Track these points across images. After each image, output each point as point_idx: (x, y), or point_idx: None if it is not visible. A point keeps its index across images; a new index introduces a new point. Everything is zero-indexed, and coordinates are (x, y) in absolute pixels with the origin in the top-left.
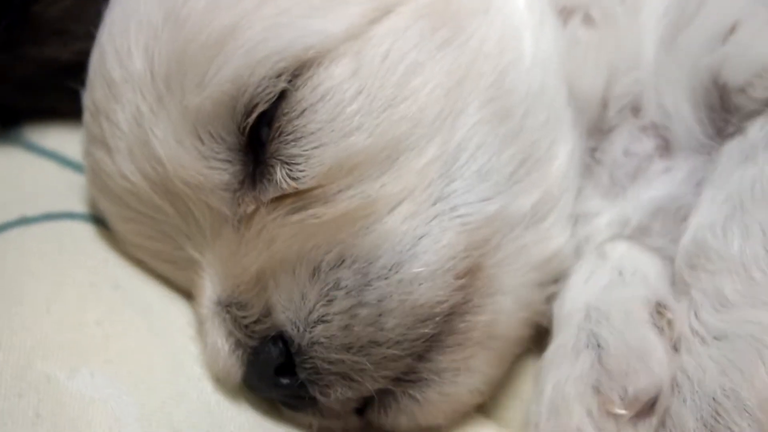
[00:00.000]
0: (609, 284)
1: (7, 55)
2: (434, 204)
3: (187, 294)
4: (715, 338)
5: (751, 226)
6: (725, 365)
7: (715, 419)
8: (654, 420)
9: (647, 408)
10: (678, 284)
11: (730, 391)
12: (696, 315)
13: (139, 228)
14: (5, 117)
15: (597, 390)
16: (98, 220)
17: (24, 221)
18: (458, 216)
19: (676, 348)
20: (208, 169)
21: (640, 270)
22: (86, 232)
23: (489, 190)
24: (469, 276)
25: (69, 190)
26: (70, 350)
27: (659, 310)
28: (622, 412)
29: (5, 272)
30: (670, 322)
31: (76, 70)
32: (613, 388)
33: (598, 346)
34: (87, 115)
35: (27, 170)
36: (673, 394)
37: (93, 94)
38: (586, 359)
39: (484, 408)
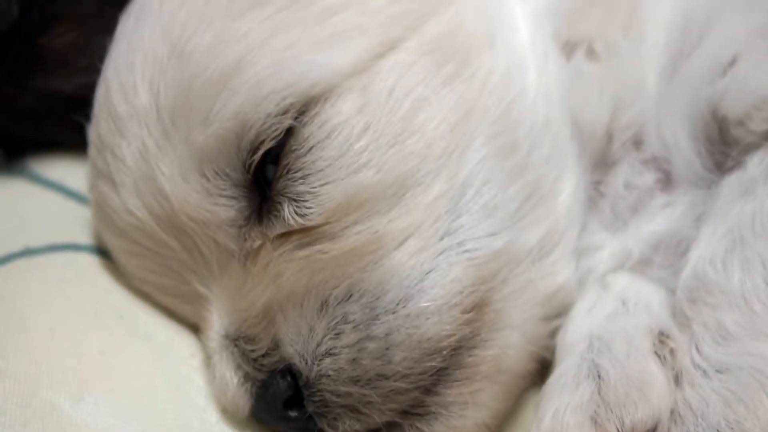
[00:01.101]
0: (612, 313)
1: (11, 86)
2: (441, 239)
3: (192, 326)
4: (718, 371)
5: (751, 259)
6: (728, 397)
7: None
8: None
9: None
10: (679, 317)
11: (734, 423)
12: (697, 348)
13: (145, 262)
14: (9, 147)
15: (594, 420)
16: (102, 252)
17: (28, 252)
18: (465, 251)
19: (678, 379)
20: (213, 205)
21: (644, 299)
22: (90, 263)
23: (495, 225)
24: (476, 310)
25: (73, 222)
26: (75, 378)
27: (662, 339)
28: None
29: (10, 302)
30: (672, 351)
31: (81, 102)
32: (610, 419)
33: (599, 376)
34: (92, 150)
35: (31, 201)
36: (675, 427)
37: (98, 128)
38: (586, 389)
39: None
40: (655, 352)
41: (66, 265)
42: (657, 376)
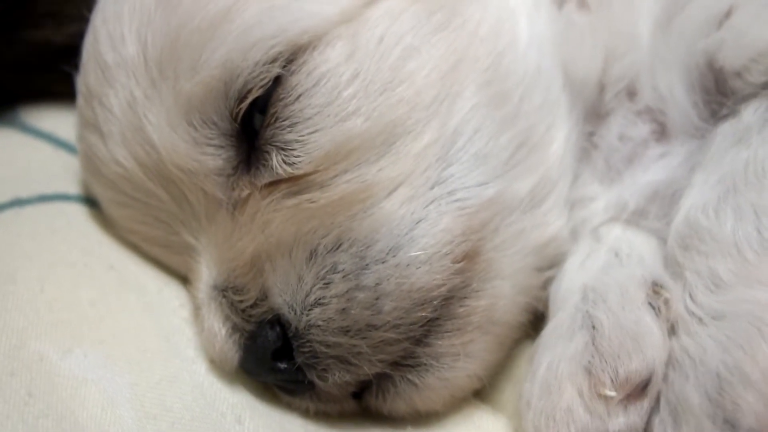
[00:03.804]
0: (605, 265)
1: (2, 37)
2: (432, 188)
3: (182, 277)
4: (714, 318)
5: (743, 207)
6: (726, 343)
7: (720, 394)
8: (645, 403)
9: (638, 391)
10: (671, 265)
11: (733, 368)
12: (691, 296)
13: (133, 213)
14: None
15: (588, 371)
16: (92, 202)
17: (18, 202)
18: (456, 200)
19: (673, 328)
20: (201, 154)
21: (636, 250)
22: (80, 213)
23: (487, 174)
24: (467, 260)
25: (63, 172)
26: (64, 330)
27: (655, 289)
28: (613, 393)
29: None
30: (666, 302)
31: (70, 52)
32: (604, 369)
33: (593, 327)
34: (80, 99)
35: (21, 151)
36: (673, 372)
37: (86, 78)
38: (580, 340)
39: (478, 391)
40: (650, 303)
41: (55, 215)
42: (652, 327)
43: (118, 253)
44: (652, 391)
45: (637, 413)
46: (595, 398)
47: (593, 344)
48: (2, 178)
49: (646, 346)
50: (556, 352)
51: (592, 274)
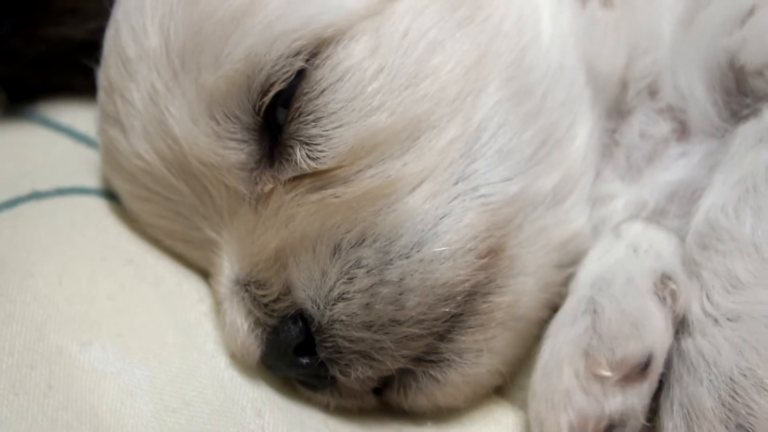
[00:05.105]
0: (622, 258)
1: (21, 36)
2: (456, 184)
3: (201, 271)
4: (729, 320)
5: (764, 208)
6: (740, 345)
7: (733, 398)
8: (645, 386)
9: (636, 373)
10: (688, 264)
11: (747, 371)
12: (708, 296)
13: (154, 207)
14: (19, 93)
15: (586, 353)
16: (111, 195)
17: (36, 196)
18: (480, 196)
19: (680, 323)
20: (223, 148)
21: (655, 247)
22: (99, 207)
23: (510, 170)
24: (491, 256)
25: (82, 165)
26: (82, 323)
27: (664, 281)
28: (608, 374)
29: (17, 246)
30: (674, 294)
31: (90, 48)
32: (600, 350)
33: (594, 311)
34: (101, 93)
35: (40, 145)
36: (689, 375)
37: (108, 71)
38: (581, 324)
39: (498, 387)
40: (655, 293)
41: (74, 208)
42: (654, 314)
43: (136, 247)
44: (651, 374)
45: (635, 395)
46: (591, 378)
47: (593, 328)
48: (21, 171)
49: (646, 331)
50: (558, 338)
51: (607, 266)
